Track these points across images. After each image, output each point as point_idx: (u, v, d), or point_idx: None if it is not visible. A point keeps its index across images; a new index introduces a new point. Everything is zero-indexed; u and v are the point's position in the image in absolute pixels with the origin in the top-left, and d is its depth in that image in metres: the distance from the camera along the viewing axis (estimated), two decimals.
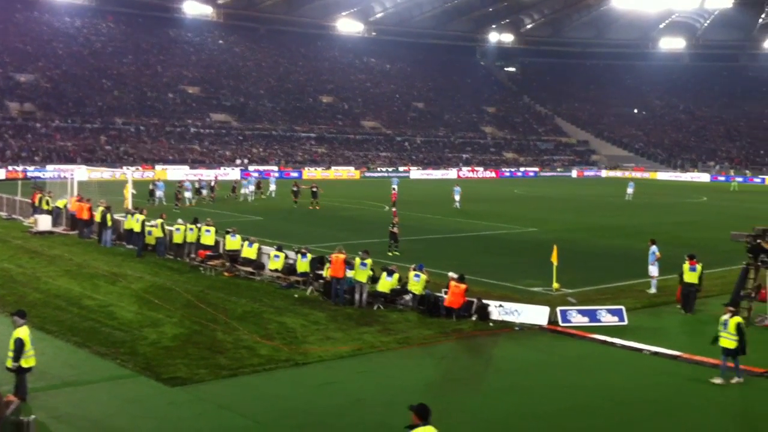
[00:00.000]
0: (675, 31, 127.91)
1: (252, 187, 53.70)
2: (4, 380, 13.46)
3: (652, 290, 24.12)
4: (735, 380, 15.53)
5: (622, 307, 20.48)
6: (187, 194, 48.52)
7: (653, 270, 24.32)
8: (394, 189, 50.31)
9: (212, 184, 52.92)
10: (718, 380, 15.55)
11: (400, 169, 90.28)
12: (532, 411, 14.03)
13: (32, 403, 13.16)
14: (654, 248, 24.61)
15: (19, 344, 13.21)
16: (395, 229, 30.95)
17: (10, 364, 13.23)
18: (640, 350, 17.75)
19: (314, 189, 48.65)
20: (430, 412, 8.88)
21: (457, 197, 49.95)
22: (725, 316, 15.84)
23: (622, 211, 53.09)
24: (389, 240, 30.75)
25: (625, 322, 19.92)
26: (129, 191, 37.23)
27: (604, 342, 18.39)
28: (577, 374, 16.30)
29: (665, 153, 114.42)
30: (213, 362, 15.89)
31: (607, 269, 28.35)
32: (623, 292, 23.89)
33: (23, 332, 13.34)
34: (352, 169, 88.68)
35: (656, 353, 17.56)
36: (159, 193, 47.83)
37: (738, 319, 15.68)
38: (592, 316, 19.92)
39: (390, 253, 29.56)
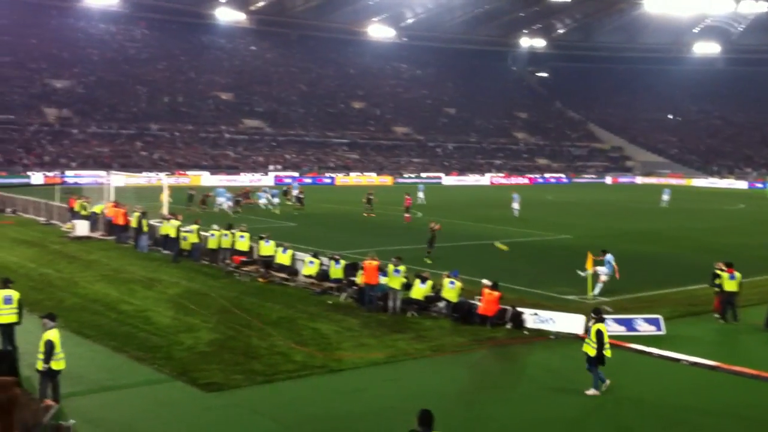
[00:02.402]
0: (709, 36, 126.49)
1: (263, 199, 50.57)
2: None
3: (596, 291, 23.76)
4: (591, 392, 14.96)
5: (660, 317, 20.11)
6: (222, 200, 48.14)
7: (602, 274, 23.90)
8: (407, 195, 48.59)
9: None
10: (591, 392, 15.05)
11: (425, 175, 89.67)
12: (558, 418, 13.99)
13: (65, 407, 13.30)
14: (608, 256, 24.25)
15: (49, 346, 13.43)
16: (433, 232, 30.88)
17: (40, 366, 13.43)
18: (677, 360, 17.49)
19: (370, 196, 48.29)
20: (432, 418, 8.85)
21: (516, 205, 48.61)
22: (590, 323, 15.51)
23: (659, 218, 52.48)
24: (427, 245, 30.71)
25: (663, 332, 19.60)
26: (165, 197, 37.61)
27: (641, 351, 18.13)
28: (611, 383, 16.10)
29: (701, 159, 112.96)
30: (248, 368, 15.96)
31: (643, 277, 27.86)
32: (659, 301, 23.50)
33: (53, 335, 13.57)
34: (377, 175, 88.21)
35: (695, 363, 17.29)
36: (220, 200, 47.32)
37: (600, 326, 15.07)
38: (629, 325, 19.66)
39: (428, 260, 29.46)
